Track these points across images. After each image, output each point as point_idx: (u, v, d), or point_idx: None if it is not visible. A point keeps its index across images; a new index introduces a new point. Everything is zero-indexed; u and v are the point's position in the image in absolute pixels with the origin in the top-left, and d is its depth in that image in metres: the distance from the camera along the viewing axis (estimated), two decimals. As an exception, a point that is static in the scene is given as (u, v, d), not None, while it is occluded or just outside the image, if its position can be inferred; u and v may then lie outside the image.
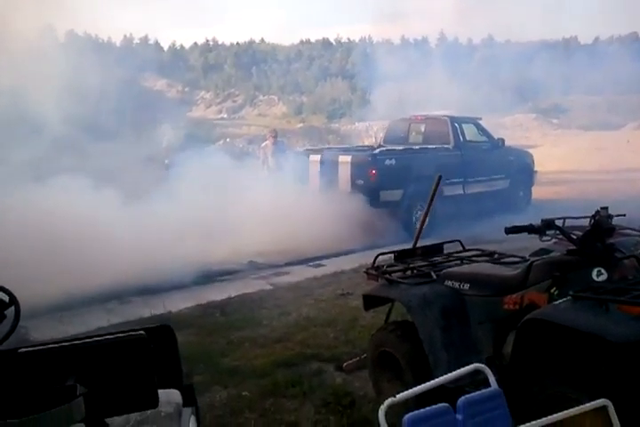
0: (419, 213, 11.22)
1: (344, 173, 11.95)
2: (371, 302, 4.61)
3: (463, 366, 3.86)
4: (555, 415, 2.65)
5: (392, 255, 4.81)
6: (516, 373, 3.39)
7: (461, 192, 12.88)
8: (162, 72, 49.37)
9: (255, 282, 8.77)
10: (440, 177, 4.86)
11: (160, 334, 3.56)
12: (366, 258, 7.96)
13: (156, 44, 55.51)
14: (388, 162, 11.83)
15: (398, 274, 4.48)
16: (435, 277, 4.27)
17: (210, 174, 11.40)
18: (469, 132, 13.58)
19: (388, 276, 4.41)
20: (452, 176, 12.15)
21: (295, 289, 8.24)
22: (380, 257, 4.71)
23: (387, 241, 10.09)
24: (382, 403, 2.68)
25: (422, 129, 13.90)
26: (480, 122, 14.03)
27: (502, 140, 13.82)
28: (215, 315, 7.25)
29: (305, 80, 50.48)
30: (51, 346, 2.43)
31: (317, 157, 12.51)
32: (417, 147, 13.09)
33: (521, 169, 14.49)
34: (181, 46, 58.55)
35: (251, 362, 5.56)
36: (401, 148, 12.98)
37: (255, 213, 10.51)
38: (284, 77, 51.66)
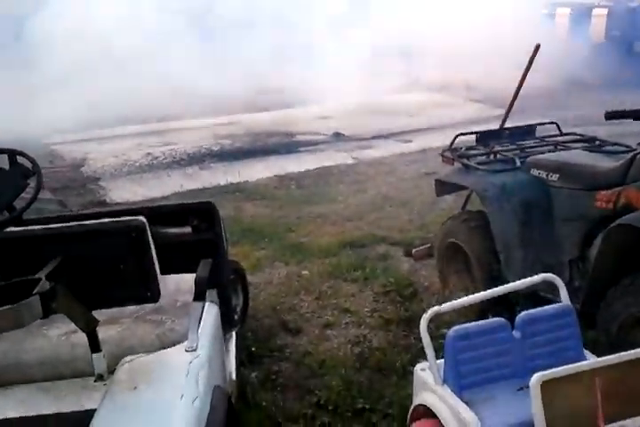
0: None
1: (599, 24, 13.42)
2: (444, 187, 4.13)
3: (539, 267, 3.46)
4: None
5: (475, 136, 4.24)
6: (598, 284, 2.93)
7: None
8: None
9: (337, 154, 8.37)
10: (538, 45, 4.12)
11: (202, 210, 3.30)
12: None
13: None
14: None
15: (477, 158, 3.95)
16: (519, 164, 3.71)
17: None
18: None
19: (464, 160, 3.89)
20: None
21: (378, 165, 7.79)
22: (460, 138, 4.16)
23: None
24: (426, 312, 2.32)
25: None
26: None
27: None
28: (291, 187, 6.99)
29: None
30: (41, 227, 2.18)
31: (567, 10, 14.02)
32: None
33: None
34: None
35: (317, 240, 5.31)
36: None
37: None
38: None
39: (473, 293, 3.41)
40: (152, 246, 2.51)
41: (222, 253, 3.27)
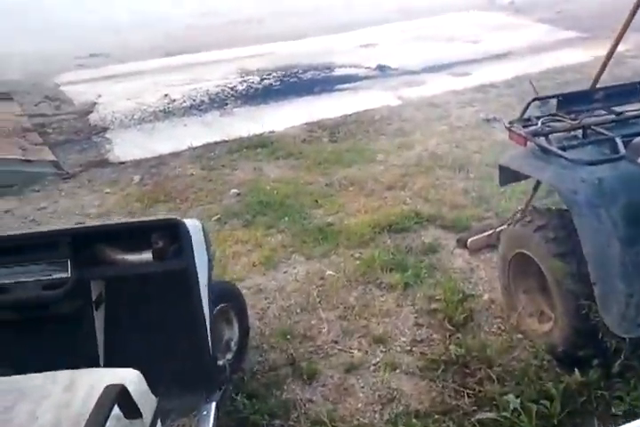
0: None
1: None
2: (511, 175, 3.02)
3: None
4: None
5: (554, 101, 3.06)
6: None
7: None
8: None
9: (380, 94, 7.15)
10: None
11: (168, 230, 2.38)
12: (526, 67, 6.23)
13: None
14: None
15: (560, 136, 2.82)
16: (622, 150, 2.58)
17: None
18: None
19: (542, 141, 2.75)
20: None
21: (427, 108, 6.58)
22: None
23: None
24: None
25: None
26: None
27: None
28: (322, 140, 5.90)
29: None
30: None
31: None
32: None
33: None
34: None
35: (348, 220, 4.30)
36: None
37: None
38: None
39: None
40: None
41: (196, 292, 2.33)
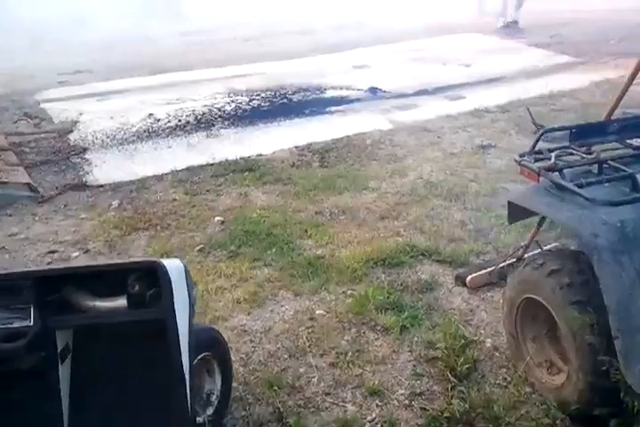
0: None
1: None
2: (521, 212, 2.78)
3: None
4: None
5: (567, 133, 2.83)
6: None
7: None
8: None
9: (372, 117, 6.94)
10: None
11: (146, 273, 2.13)
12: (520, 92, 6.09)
13: None
14: None
15: (573, 171, 2.59)
16: (646, 187, 2.36)
17: None
18: None
19: (556, 177, 2.52)
20: None
21: (420, 132, 6.37)
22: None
23: None
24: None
25: None
26: None
27: None
28: (312, 165, 5.66)
29: None
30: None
31: None
32: None
33: None
34: None
35: (339, 253, 4.04)
36: None
37: None
38: None
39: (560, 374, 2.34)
40: None
41: (174, 344, 2.07)
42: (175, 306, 2.07)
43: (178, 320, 2.08)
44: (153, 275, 2.07)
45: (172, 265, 2.13)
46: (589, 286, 2.37)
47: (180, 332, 2.09)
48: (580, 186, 2.42)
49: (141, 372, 2.20)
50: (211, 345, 2.52)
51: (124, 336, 2.18)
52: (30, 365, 2.03)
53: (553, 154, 2.63)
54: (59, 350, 2.12)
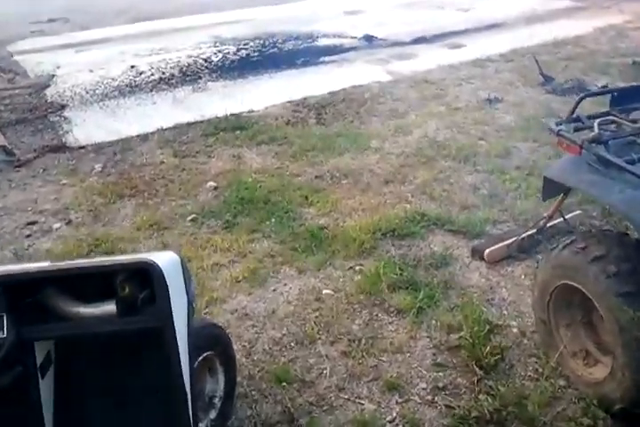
0: None
1: None
2: (557, 188, 2.48)
3: None
4: None
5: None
6: None
7: None
8: None
9: (369, 68, 6.54)
10: None
11: (137, 275, 1.82)
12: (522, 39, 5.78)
13: None
14: None
15: (618, 142, 2.28)
16: None
17: None
18: None
19: (601, 149, 2.20)
20: None
21: (421, 84, 6.00)
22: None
23: None
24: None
25: None
26: None
27: None
28: (308, 122, 5.30)
29: None
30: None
31: None
32: None
33: None
34: None
35: (344, 222, 3.74)
36: None
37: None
38: None
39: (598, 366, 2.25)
40: None
41: (173, 350, 1.79)
42: (172, 309, 1.78)
43: (175, 325, 1.79)
44: (145, 273, 1.77)
45: (167, 261, 1.82)
46: (638, 276, 2.10)
47: (178, 337, 1.81)
48: (632, 162, 2.12)
49: (134, 383, 1.93)
50: (214, 344, 2.24)
51: (113, 344, 1.90)
52: (7, 382, 1.75)
53: (595, 122, 2.31)
54: (38, 364, 1.83)
